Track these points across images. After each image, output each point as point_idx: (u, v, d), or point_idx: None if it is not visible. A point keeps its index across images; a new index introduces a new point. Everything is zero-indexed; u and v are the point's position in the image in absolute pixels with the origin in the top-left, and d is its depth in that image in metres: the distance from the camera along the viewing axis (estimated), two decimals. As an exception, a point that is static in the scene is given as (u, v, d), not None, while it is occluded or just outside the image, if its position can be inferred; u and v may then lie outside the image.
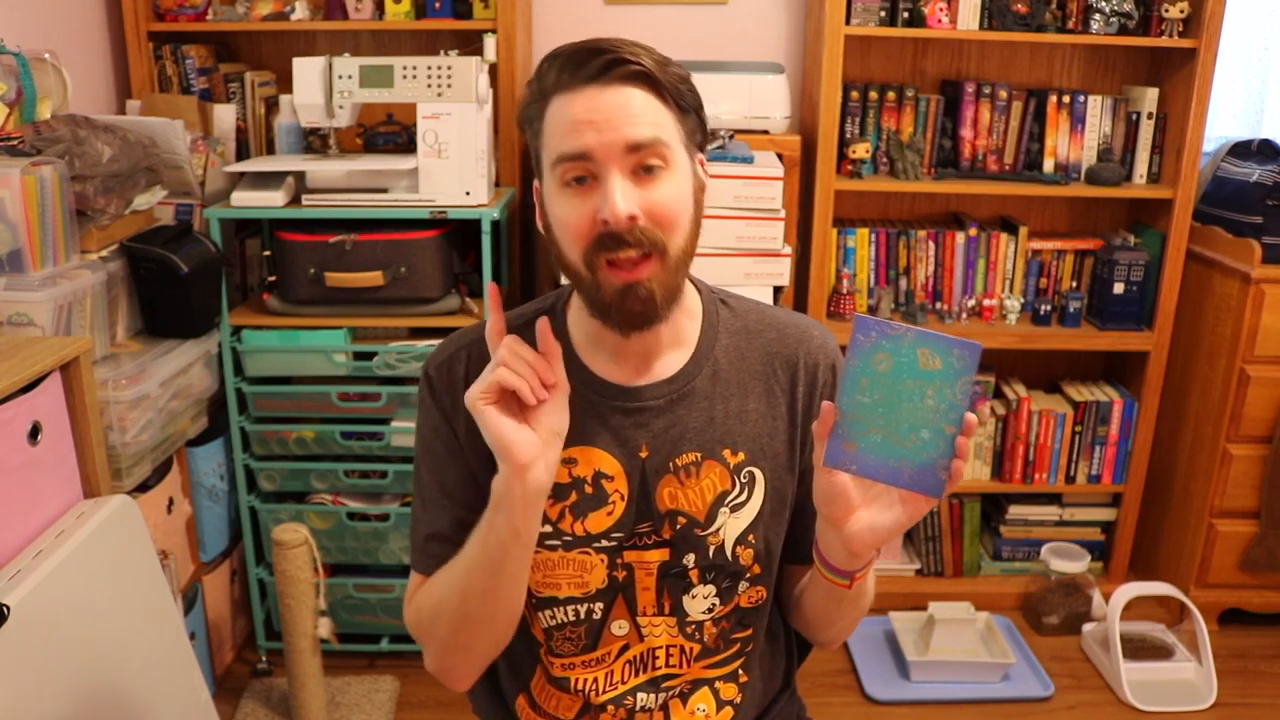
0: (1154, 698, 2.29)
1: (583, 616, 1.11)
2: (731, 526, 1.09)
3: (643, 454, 1.09)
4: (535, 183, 1.06)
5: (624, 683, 1.13)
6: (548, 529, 1.08)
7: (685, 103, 1.03)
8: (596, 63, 0.98)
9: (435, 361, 1.12)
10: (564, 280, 1.07)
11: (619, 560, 1.09)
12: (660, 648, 1.12)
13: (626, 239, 0.97)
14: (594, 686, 1.13)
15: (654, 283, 0.99)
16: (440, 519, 1.10)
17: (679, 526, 1.09)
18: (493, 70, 2.30)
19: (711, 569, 1.10)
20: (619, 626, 1.11)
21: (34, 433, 1.46)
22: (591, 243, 0.98)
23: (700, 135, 1.07)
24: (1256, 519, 2.48)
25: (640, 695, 1.13)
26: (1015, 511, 2.72)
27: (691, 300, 1.13)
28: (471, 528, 1.05)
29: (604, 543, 1.08)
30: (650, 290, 0.99)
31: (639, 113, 0.98)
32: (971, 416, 0.89)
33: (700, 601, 1.11)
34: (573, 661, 1.13)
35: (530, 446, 0.96)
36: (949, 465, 0.89)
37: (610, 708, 1.13)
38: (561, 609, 1.10)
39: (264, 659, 2.35)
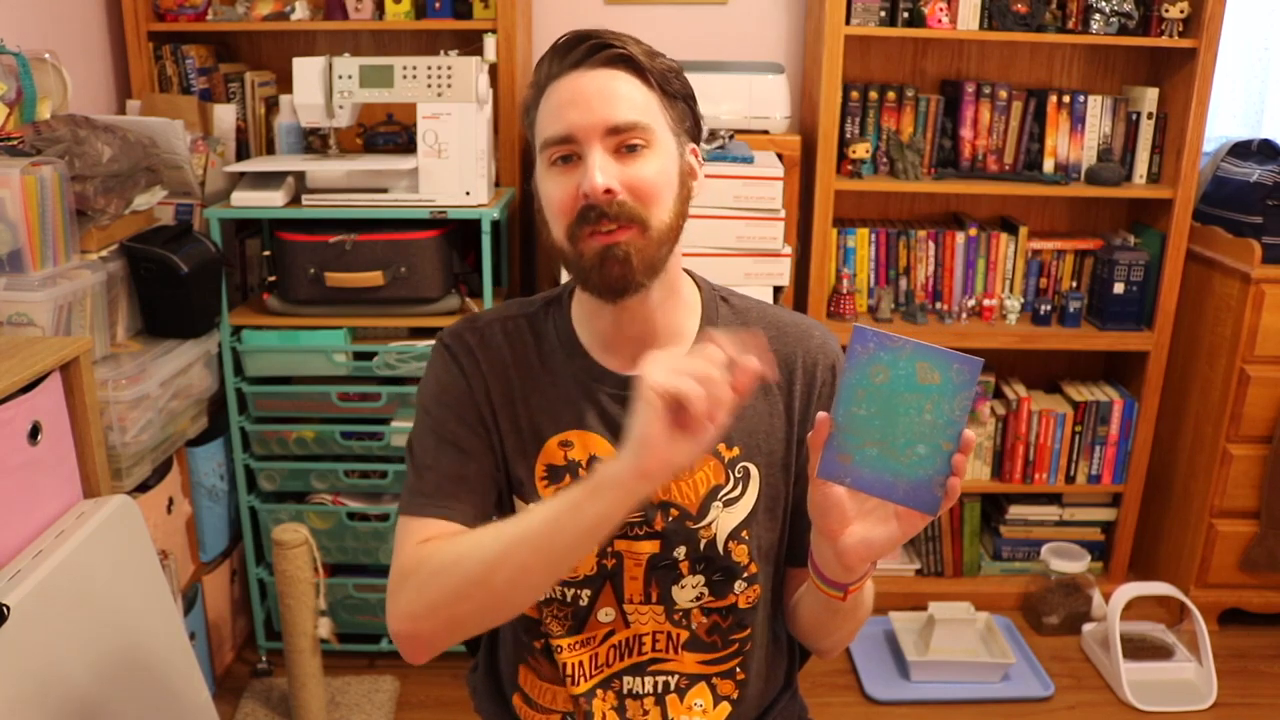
0: (1154, 698, 2.30)
1: (569, 600, 1.11)
2: (724, 521, 1.10)
3: None
4: (536, 173, 1.09)
5: (609, 665, 1.13)
6: None
7: (672, 89, 1.06)
8: (581, 48, 1.02)
9: (449, 331, 1.14)
10: (564, 278, 1.08)
11: (609, 549, 1.09)
12: (646, 634, 1.13)
13: (605, 211, 1.00)
14: (581, 671, 1.13)
15: (631, 247, 1.01)
16: (460, 463, 1.07)
17: (671, 518, 1.09)
18: (493, 70, 2.30)
19: (702, 561, 1.10)
20: (605, 614, 1.12)
21: (34, 433, 1.46)
22: (574, 217, 1.01)
23: (691, 123, 1.09)
24: (1256, 519, 2.48)
25: (627, 679, 1.13)
26: (1015, 511, 2.73)
27: (691, 295, 1.14)
28: (480, 476, 1.07)
29: None
30: (627, 252, 1.01)
31: (622, 96, 1.01)
32: (970, 434, 0.87)
33: (689, 591, 1.11)
34: (560, 644, 1.13)
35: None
36: (945, 483, 0.87)
37: (600, 691, 1.13)
38: (558, 593, 1.11)
39: (264, 659, 2.36)
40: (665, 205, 1.03)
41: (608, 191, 0.99)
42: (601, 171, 0.99)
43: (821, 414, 0.90)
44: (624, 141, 1.01)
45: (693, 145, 1.09)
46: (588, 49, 1.02)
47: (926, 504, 0.88)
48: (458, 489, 1.06)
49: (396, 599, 1.00)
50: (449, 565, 0.97)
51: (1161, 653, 2.44)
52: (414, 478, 1.08)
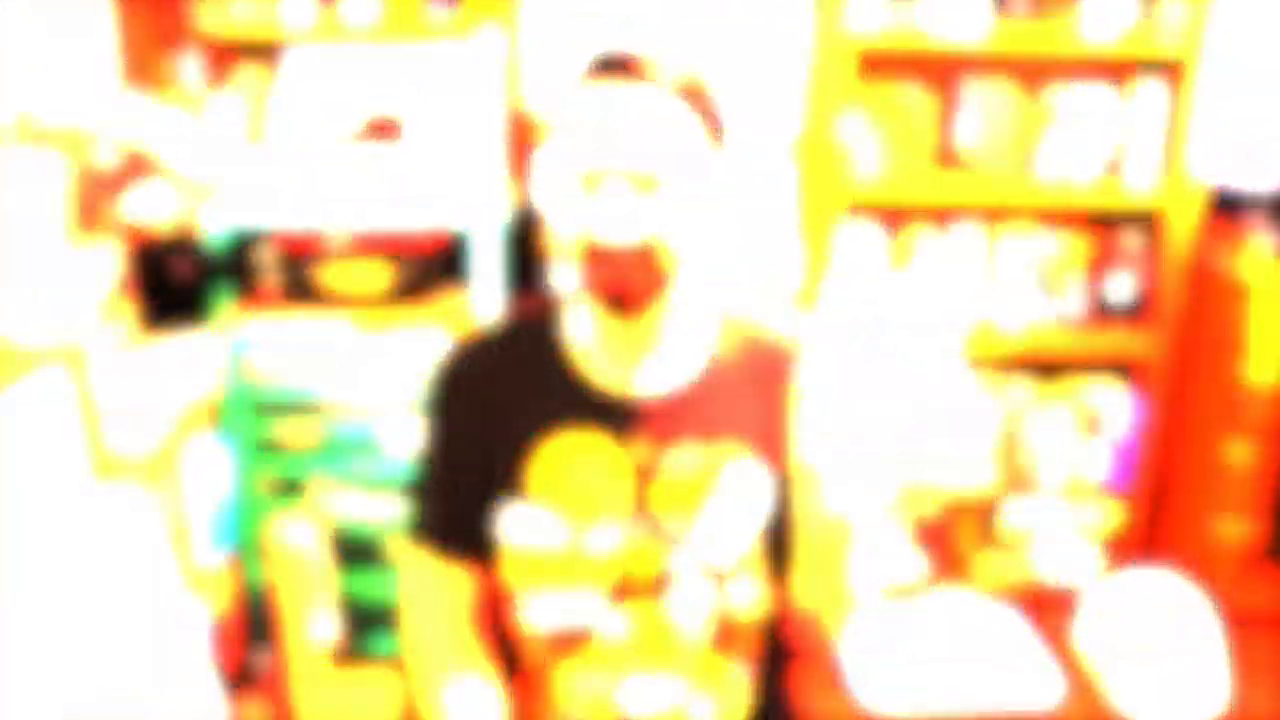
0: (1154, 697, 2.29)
1: (576, 614, 1.11)
2: (726, 527, 1.10)
3: (639, 451, 1.09)
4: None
5: (618, 678, 1.13)
6: (543, 524, 1.09)
7: (706, 118, 1.05)
8: (619, 69, 1.01)
9: (439, 363, 1.16)
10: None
11: (613, 558, 1.09)
12: (654, 644, 1.13)
13: (608, 253, 1.00)
14: (588, 682, 1.13)
15: (632, 269, 1.01)
16: (444, 501, 1.16)
17: (673, 525, 1.09)
18: (492, 70, 2.30)
19: (704, 567, 1.10)
20: (612, 624, 1.12)
21: (34, 432, 1.46)
22: (578, 236, 1.02)
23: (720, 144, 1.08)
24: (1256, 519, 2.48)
25: (635, 691, 1.13)
26: (1015, 512, 2.72)
27: (694, 303, 1.14)
28: (477, 508, 1.11)
29: (598, 540, 1.09)
30: (626, 274, 1.01)
31: (644, 132, 1.00)
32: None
33: (691, 598, 1.11)
34: (565, 657, 1.13)
35: None
36: None
37: (606, 702, 1.13)
38: (556, 605, 1.11)
39: (264, 659, 2.36)
40: (673, 240, 1.03)
41: (614, 237, 1.00)
42: (611, 218, 0.99)
43: None
44: (642, 179, 1.00)
45: (720, 166, 1.09)
46: (625, 71, 1.01)
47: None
48: (451, 523, 1.17)
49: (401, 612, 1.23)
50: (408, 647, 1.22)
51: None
52: (417, 504, 1.21)
